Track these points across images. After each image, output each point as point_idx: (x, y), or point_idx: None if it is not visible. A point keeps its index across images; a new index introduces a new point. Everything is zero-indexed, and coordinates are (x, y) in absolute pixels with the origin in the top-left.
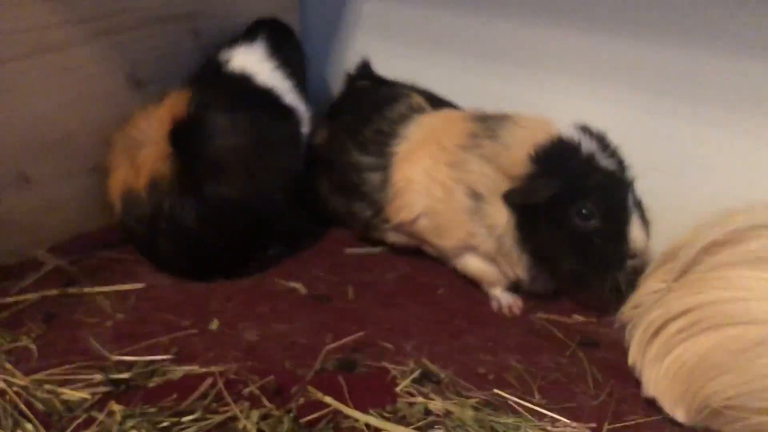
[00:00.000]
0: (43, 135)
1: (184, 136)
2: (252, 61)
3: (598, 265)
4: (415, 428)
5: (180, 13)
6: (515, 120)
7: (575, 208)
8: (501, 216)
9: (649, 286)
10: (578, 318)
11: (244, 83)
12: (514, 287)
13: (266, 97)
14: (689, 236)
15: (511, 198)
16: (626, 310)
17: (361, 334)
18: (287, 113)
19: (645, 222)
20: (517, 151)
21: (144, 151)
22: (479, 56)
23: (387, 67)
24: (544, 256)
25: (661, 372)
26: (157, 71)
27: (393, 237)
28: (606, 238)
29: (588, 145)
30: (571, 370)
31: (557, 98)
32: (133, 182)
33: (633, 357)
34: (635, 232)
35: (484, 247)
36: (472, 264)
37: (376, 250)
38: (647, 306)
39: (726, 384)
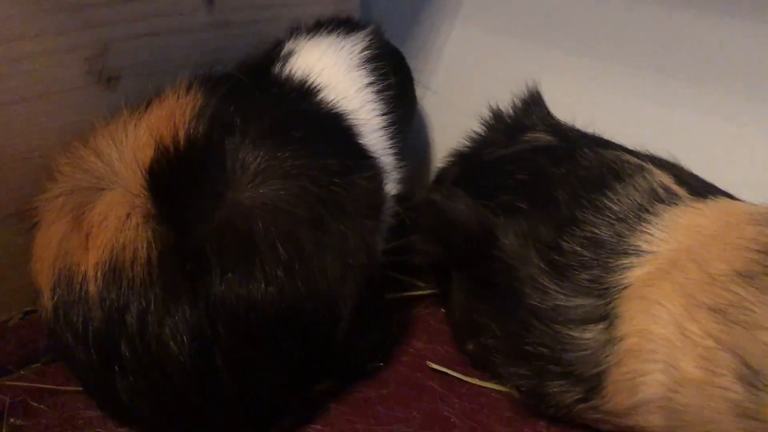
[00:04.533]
0: None
1: (179, 181)
2: (328, 64)
3: None
4: None
5: None
6: None
7: None
8: None
9: None
10: None
11: (298, 97)
12: None
13: (330, 126)
14: None
15: None
16: None
17: None
18: (362, 158)
19: None
20: None
21: (102, 202)
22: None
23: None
24: None
25: None
26: (141, 62)
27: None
28: None
29: None
30: None
31: None
32: (76, 259)
33: None
34: None
35: None
36: None
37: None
38: None
39: None
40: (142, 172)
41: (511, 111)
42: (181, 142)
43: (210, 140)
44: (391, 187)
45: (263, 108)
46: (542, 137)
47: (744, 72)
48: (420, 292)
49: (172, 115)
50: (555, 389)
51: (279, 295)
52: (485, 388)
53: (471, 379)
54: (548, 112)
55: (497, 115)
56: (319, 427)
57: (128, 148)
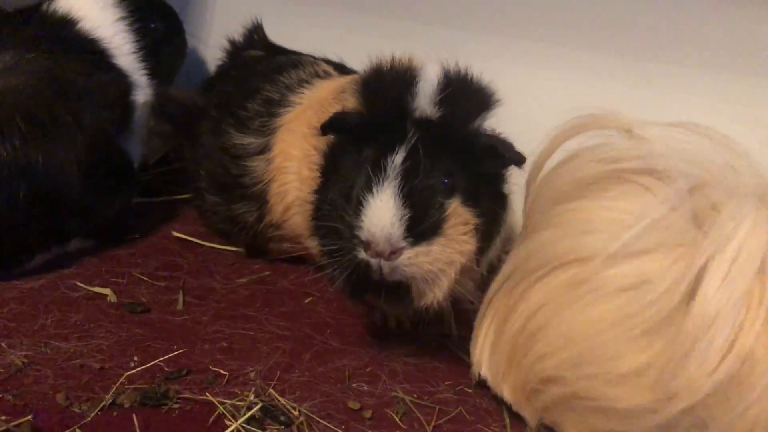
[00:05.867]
0: None
1: None
2: (86, 3)
3: (330, 245)
4: None
5: None
6: None
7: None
8: None
9: None
10: None
11: (59, 26)
12: None
13: (85, 47)
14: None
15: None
16: None
17: (181, 353)
18: (110, 69)
19: (423, 205)
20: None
21: None
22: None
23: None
24: None
25: (486, 340)
26: None
27: (295, 250)
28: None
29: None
30: (480, 404)
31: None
32: None
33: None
34: (372, 211)
35: None
36: None
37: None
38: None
39: (550, 343)
40: None
41: (239, 38)
42: None
43: None
44: (142, 97)
45: (21, 28)
46: (256, 53)
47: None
48: (182, 197)
49: None
50: (240, 210)
51: (15, 156)
52: (218, 249)
53: (206, 243)
54: (266, 37)
55: (231, 42)
56: (73, 270)
57: None
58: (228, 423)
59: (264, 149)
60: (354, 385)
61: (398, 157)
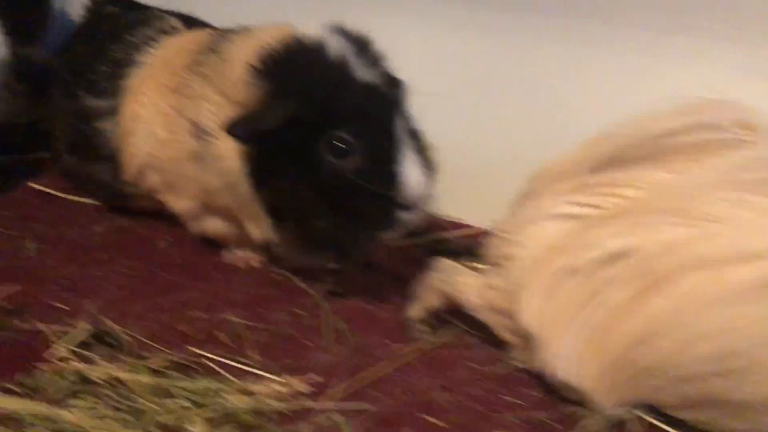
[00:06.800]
0: None
1: None
2: None
3: (359, 222)
4: (50, 400)
5: None
6: (249, 28)
7: (324, 139)
8: (231, 157)
9: (541, 207)
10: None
11: None
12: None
13: None
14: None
15: (233, 129)
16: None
17: (25, 291)
18: None
19: (425, 159)
20: (237, 66)
21: None
22: None
23: None
24: (288, 210)
25: (580, 340)
26: None
27: (155, 204)
28: (369, 181)
29: (338, 49)
30: (310, 324)
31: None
32: None
33: (528, 317)
34: (411, 172)
35: (220, 201)
36: (212, 227)
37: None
38: (545, 241)
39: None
40: None
41: None
42: None
43: None
44: None
45: None
46: (113, 9)
47: None
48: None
49: None
50: (95, 168)
51: None
52: (78, 201)
53: (66, 195)
54: None
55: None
56: None
57: None
58: (62, 349)
59: (113, 110)
60: (190, 312)
61: (403, 123)
